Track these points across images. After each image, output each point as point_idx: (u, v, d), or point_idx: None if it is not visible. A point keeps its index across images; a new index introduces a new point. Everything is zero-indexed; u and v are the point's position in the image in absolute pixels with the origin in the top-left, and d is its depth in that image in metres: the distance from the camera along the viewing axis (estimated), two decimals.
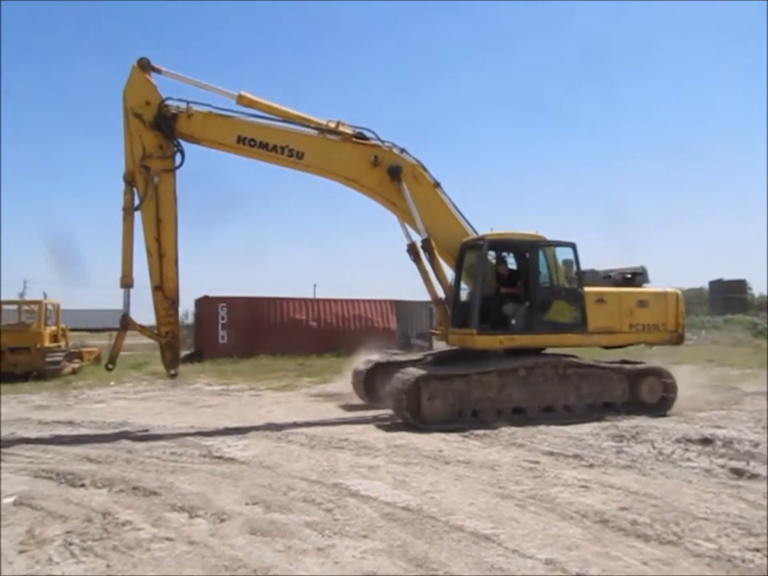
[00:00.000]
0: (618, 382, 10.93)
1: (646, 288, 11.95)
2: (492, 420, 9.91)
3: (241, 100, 10.57)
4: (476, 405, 10.19)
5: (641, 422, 10.08)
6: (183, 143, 10.44)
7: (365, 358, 13.09)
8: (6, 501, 6.13)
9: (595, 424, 9.93)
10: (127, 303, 10.30)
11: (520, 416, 10.21)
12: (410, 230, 11.54)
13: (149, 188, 10.07)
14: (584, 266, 11.46)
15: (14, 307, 21.23)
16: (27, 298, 22.12)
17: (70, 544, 4.90)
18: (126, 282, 10.22)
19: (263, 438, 9.16)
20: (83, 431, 10.20)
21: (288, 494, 6.27)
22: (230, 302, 25.82)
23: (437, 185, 11.59)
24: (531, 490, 6.34)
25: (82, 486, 6.68)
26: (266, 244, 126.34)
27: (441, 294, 11.59)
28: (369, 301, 28.31)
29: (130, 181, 10.12)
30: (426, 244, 11.25)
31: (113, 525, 5.35)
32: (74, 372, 19.78)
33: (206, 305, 26.01)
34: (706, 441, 8.43)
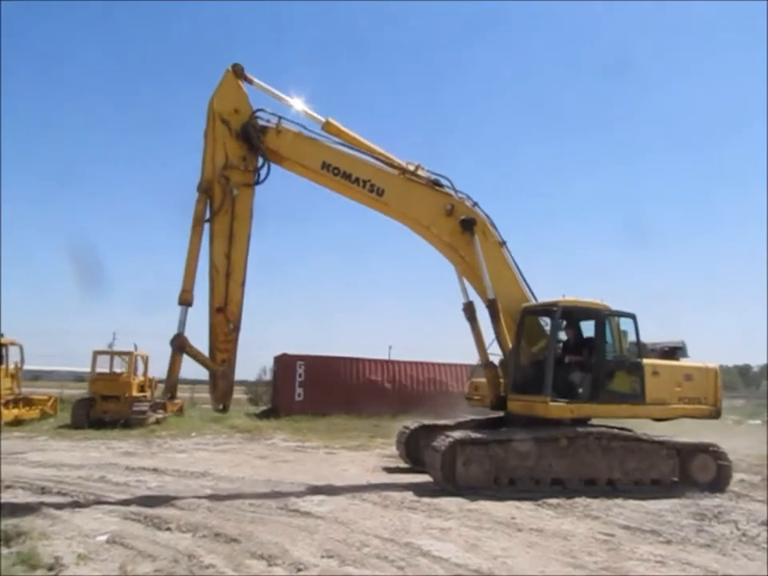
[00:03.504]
0: (667, 458, 10.60)
1: (689, 362, 11.76)
2: (529, 489, 9.81)
3: (327, 127, 10.48)
4: (513, 473, 10.01)
5: (724, 501, 9.73)
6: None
7: (411, 421, 12.93)
8: (101, 539, 6.57)
9: (675, 501, 9.64)
10: (183, 322, 9.25)
11: (560, 488, 9.98)
12: (467, 287, 11.45)
13: (226, 200, 9.60)
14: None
15: (107, 357, 22.41)
16: (116, 348, 23.33)
17: None
18: (186, 298, 9.27)
19: (338, 495, 9.36)
20: (167, 479, 10.67)
21: (362, 549, 6.43)
22: (307, 360, 26.41)
23: (503, 243, 11.43)
24: (605, 561, 6.28)
25: (168, 529, 7.06)
26: (344, 302, 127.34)
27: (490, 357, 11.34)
28: (444, 365, 28.34)
29: (206, 189, 9.57)
30: (492, 305, 10.93)
31: (198, 567, 5.67)
32: (157, 422, 20.61)
33: (284, 362, 26.71)
34: None
